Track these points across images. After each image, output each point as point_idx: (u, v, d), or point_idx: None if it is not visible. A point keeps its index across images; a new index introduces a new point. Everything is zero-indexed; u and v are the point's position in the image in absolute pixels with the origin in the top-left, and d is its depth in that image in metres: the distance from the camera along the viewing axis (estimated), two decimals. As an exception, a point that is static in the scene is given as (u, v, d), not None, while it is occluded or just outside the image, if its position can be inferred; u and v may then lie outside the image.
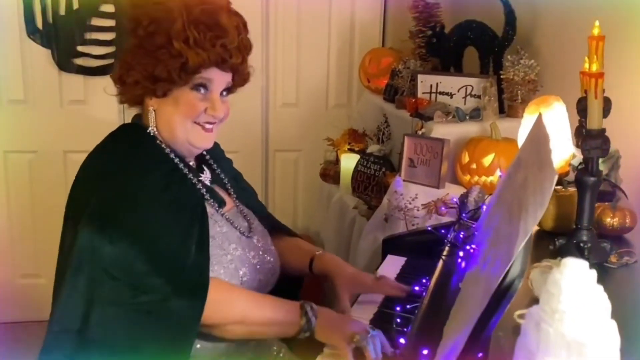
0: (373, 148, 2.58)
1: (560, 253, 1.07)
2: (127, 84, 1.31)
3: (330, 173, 2.78)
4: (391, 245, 1.85)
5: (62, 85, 2.88)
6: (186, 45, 1.24)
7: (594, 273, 0.55)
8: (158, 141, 1.34)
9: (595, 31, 1.00)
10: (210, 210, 1.34)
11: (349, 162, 2.60)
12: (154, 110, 1.33)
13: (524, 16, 2.28)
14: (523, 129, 1.71)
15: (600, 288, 0.55)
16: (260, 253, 1.40)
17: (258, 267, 1.37)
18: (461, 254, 1.27)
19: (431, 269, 1.52)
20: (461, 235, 1.43)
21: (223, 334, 1.24)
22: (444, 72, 2.45)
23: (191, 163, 1.40)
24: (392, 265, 1.72)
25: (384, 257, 1.83)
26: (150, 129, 1.34)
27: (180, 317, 1.16)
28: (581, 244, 1.03)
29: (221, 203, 1.39)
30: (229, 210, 1.41)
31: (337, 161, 2.75)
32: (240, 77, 1.39)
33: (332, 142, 2.75)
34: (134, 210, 1.21)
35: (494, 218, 1.19)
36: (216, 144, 1.55)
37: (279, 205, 3.21)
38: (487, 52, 2.31)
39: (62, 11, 2.80)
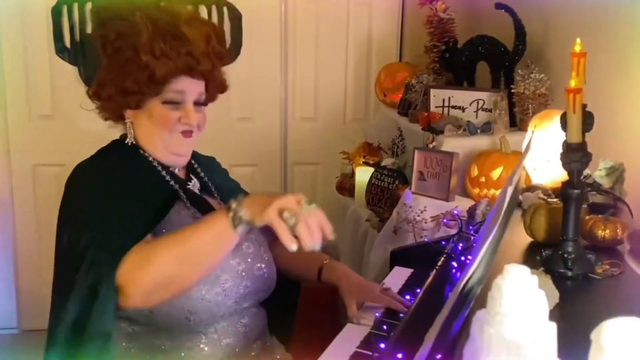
0: (387, 161, 2.61)
1: (545, 264, 1.09)
2: (102, 99, 1.35)
3: (346, 186, 2.82)
4: (399, 257, 1.88)
5: (89, 101, 2.98)
6: (152, 57, 1.26)
7: (535, 279, 0.58)
8: (145, 153, 1.36)
9: (577, 48, 1.02)
10: (190, 220, 1.31)
11: (363, 175, 2.63)
12: (131, 123, 1.36)
13: (536, 31, 2.31)
14: (526, 141, 1.73)
15: (542, 293, 0.59)
16: (249, 260, 1.38)
17: (243, 273, 1.35)
18: (455, 264, 1.30)
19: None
20: (459, 247, 1.47)
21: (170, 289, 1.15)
22: (456, 86, 2.48)
23: (177, 171, 1.41)
24: (398, 277, 1.74)
25: (392, 269, 1.86)
26: (128, 139, 1.36)
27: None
28: (565, 255, 1.05)
29: (209, 212, 1.35)
30: None
31: (353, 174, 2.79)
32: (214, 85, 1.40)
33: (347, 156, 2.79)
34: (95, 199, 1.23)
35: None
36: (211, 159, 1.58)
37: None
38: (498, 66, 2.33)
39: (89, 29, 2.91)
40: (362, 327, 1.38)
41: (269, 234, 1.59)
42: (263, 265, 1.42)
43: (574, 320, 0.72)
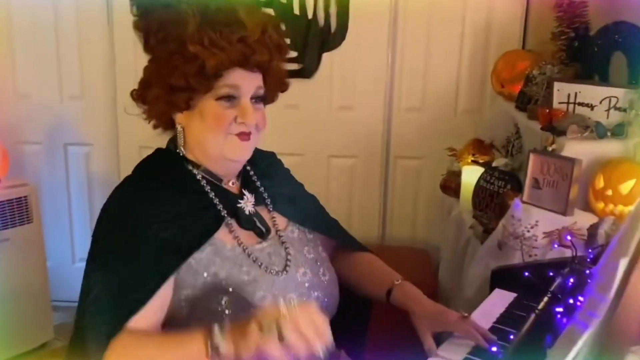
0: (499, 162, 2.35)
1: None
2: (148, 102, 1.19)
3: (451, 185, 2.59)
4: (501, 278, 1.65)
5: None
6: (201, 47, 1.11)
7: None
8: (190, 167, 1.22)
9: None
10: (235, 252, 1.19)
11: (471, 175, 2.40)
12: (183, 128, 1.20)
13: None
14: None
15: None
16: (306, 289, 1.23)
17: None
18: (561, 309, 1.06)
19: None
20: (570, 282, 1.21)
21: None
22: (585, 80, 2.16)
23: (231, 183, 1.27)
24: (498, 302, 1.52)
25: (492, 290, 1.63)
26: (179, 149, 1.22)
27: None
28: None
29: (266, 232, 1.24)
30: (267, 240, 1.25)
31: (460, 173, 2.55)
32: (274, 79, 1.23)
33: (454, 152, 2.55)
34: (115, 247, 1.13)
35: (612, 265, 0.97)
36: (270, 155, 1.42)
37: (397, 215, 3.08)
38: (638, 58, 1.98)
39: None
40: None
41: (330, 245, 1.44)
42: (321, 294, 1.25)
43: None
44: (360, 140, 2.98)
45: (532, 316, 1.11)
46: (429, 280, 2.52)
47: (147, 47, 1.17)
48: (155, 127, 1.25)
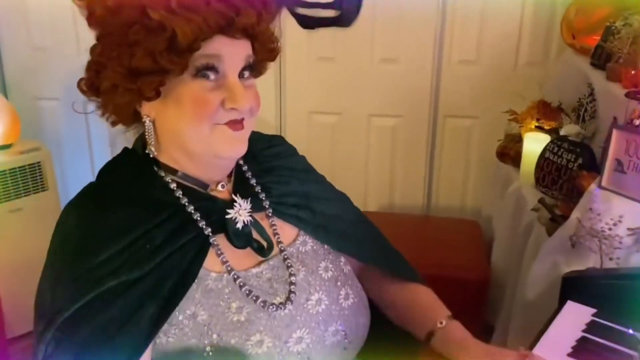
0: (569, 129, 2.03)
1: None
2: (102, 93, 0.92)
3: (510, 153, 2.30)
4: (575, 286, 1.37)
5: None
6: (168, 12, 0.84)
7: None
8: (162, 173, 0.97)
9: None
10: (221, 283, 0.95)
11: (534, 144, 2.11)
12: (152, 122, 0.94)
13: None
14: None
15: None
16: (320, 322, 0.98)
17: (306, 353, 0.95)
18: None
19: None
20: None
21: None
22: (685, 35, 1.79)
23: (221, 186, 1.01)
24: (573, 320, 1.25)
25: (561, 301, 1.36)
26: (148, 149, 0.96)
27: None
28: None
29: (266, 249, 1.00)
30: (267, 261, 1.01)
31: (520, 139, 2.26)
32: (263, 46, 0.97)
33: (514, 116, 2.23)
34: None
35: None
36: (276, 140, 1.16)
37: (444, 180, 2.83)
38: None
39: None
40: None
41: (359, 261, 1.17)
42: (340, 326, 0.99)
43: None
44: (405, 97, 2.71)
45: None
46: (479, 260, 2.25)
47: (93, 21, 0.90)
48: (114, 124, 0.98)
